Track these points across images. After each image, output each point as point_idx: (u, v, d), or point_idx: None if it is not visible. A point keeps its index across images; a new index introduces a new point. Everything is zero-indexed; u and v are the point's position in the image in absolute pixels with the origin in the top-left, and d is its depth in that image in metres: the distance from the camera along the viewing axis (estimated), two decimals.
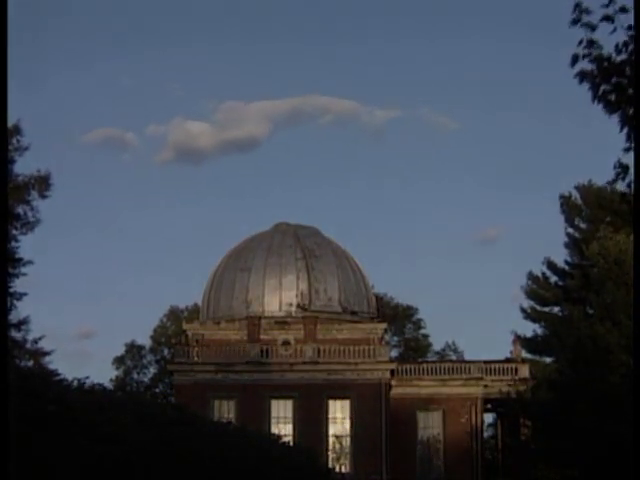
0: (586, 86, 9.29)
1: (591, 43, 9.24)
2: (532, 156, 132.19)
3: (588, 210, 62.14)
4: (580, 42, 9.28)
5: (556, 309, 65.53)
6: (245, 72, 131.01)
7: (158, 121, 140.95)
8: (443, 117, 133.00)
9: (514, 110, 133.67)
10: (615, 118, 9.28)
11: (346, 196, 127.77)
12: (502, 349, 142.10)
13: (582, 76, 9.29)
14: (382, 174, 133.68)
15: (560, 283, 64.85)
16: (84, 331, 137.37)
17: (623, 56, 9.05)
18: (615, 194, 55.52)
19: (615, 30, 9.10)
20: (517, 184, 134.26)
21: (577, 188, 63.75)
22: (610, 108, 9.24)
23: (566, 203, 63.60)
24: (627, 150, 9.29)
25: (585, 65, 9.28)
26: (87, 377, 15.03)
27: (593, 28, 9.20)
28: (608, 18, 9.12)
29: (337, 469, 54.83)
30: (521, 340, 64.75)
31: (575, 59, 9.27)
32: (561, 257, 65.39)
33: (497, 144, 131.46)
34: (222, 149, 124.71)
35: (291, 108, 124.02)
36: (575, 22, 9.25)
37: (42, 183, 39.58)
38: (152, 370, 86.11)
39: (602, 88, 9.27)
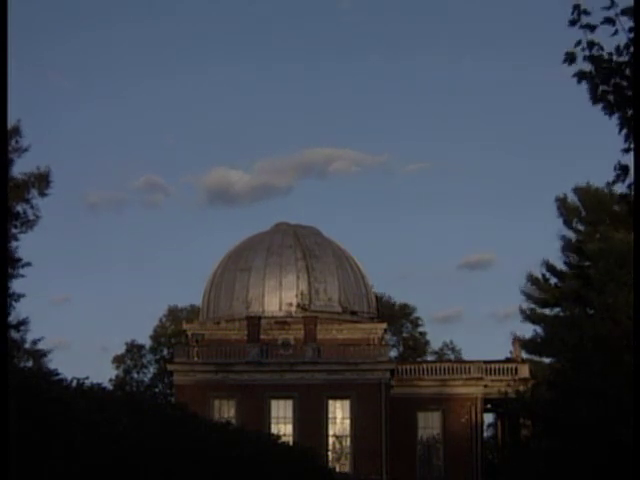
0: (584, 87, 9.27)
1: (591, 45, 9.22)
2: (534, 158, 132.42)
3: (586, 212, 62.12)
4: (578, 43, 9.24)
5: (555, 310, 65.52)
6: (281, 127, 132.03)
7: (195, 171, 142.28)
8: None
9: (515, 114, 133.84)
10: (614, 119, 9.26)
11: (348, 198, 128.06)
12: (502, 349, 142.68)
13: (580, 76, 9.27)
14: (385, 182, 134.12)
15: (559, 284, 64.80)
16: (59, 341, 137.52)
17: (623, 58, 9.03)
18: (613, 195, 55.53)
19: (616, 32, 9.08)
20: (518, 186, 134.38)
21: (575, 190, 63.78)
22: (609, 109, 9.22)
23: (563, 205, 63.60)
24: (626, 151, 9.27)
25: (584, 65, 9.26)
26: (87, 377, 15.03)
27: (592, 29, 9.17)
28: (609, 20, 9.10)
29: (337, 469, 54.82)
30: (520, 342, 64.73)
31: (571, 58, 9.24)
32: (560, 259, 65.41)
33: (499, 151, 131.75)
34: (252, 195, 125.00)
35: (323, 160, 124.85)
36: (573, 23, 9.22)
37: (42, 181, 39.56)
38: (152, 370, 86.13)
39: (601, 89, 9.24)
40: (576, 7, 9.23)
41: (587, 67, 9.28)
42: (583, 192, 62.74)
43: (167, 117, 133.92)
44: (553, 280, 65.57)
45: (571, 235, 63.15)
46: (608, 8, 9.14)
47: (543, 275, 65.75)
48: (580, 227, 62.89)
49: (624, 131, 9.24)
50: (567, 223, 63.30)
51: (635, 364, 9.93)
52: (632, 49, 8.98)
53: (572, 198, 63.69)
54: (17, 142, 38.32)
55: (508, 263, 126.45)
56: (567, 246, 63.40)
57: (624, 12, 9.04)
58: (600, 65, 9.09)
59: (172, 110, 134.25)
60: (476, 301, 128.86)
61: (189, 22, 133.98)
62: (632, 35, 8.97)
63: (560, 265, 64.88)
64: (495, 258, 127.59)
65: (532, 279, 66.06)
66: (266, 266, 65.48)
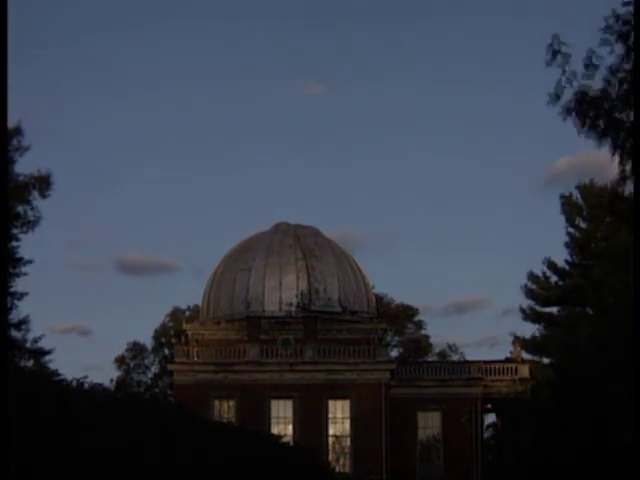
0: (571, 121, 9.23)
1: (571, 76, 9.18)
2: (535, 157, 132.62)
3: (589, 210, 62.10)
4: (559, 82, 9.20)
5: (556, 309, 65.53)
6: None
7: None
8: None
9: (514, 111, 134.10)
10: (606, 145, 9.23)
11: (347, 196, 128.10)
12: (502, 349, 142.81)
13: (567, 112, 9.26)
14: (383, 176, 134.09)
15: (560, 283, 64.80)
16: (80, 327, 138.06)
17: (620, 75, 9.02)
18: (615, 194, 55.29)
19: (612, 52, 9.07)
20: (517, 183, 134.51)
21: (578, 188, 63.76)
22: (599, 136, 9.20)
23: (567, 203, 63.56)
24: (622, 180, 9.27)
25: (567, 97, 9.23)
26: (86, 377, 15.05)
27: (568, 58, 9.12)
28: (606, 42, 9.09)
29: (337, 469, 54.78)
30: (520, 340, 64.71)
31: (556, 97, 9.21)
32: (561, 257, 65.41)
33: (496, 148, 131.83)
34: None
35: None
36: (553, 58, 9.17)
37: (42, 183, 39.63)
38: (153, 370, 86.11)
39: (591, 117, 9.23)
40: (550, 46, 9.16)
41: (570, 101, 9.27)
42: (586, 190, 62.73)
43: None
44: (554, 278, 65.58)
45: (573, 233, 63.15)
46: (604, 30, 9.12)
47: (544, 273, 65.72)
48: (582, 225, 62.90)
49: (616, 157, 9.23)
50: (569, 221, 63.29)
51: (635, 364, 9.95)
52: (629, 63, 8.97)
53: (576, 196, 63.73)
54: (19, 141, 38.40)
55: (514, 245, 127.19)
56: (569, 244, 63.42)
57: (620, 36, 9.03)
58: (585, 98, 9.08)
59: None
60: (478, 289, 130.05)
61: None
62: (626, 53, 8.95)
63: (561, 263, 64.91)
64: (500, 235, 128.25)
65: (532, 277, 66.01)
66: (266, 266, 65.48)
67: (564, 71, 9.18)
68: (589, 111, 9.08)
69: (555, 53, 9.23)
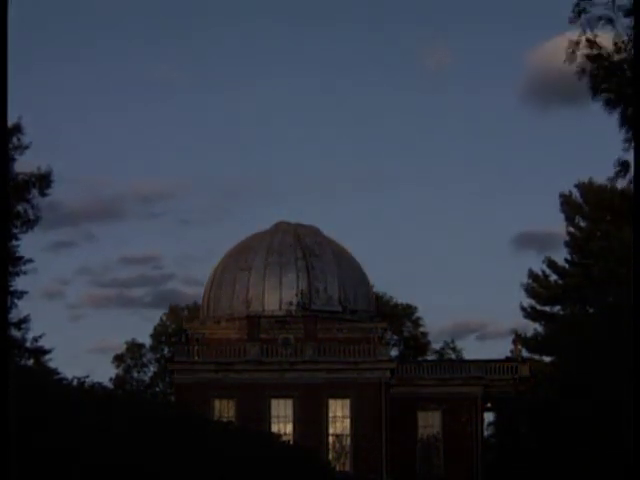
0: (585, 83, 9.25)
1: (591, 43, 9.22)
2: (533, 155, 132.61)
3: (588, 208, 62.08)
4: (577, 43, 9.25)
5: (556, 308, 65.52)
6: None
7: None
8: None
9: (513, 109, 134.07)
10: (615, 115, 9.24)
11: (347, 196, 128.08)
12: (502, 348, 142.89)
13: (581, 72, 9.27)
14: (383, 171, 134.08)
15: (560, 282, 64.80)
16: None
17: (623, 55, 9.02)
18: (615, 192, 55.43)
19: (614, 27, 9.07)
20: (517, 182, 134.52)
21: (577, 186, 63.72)
22: (610, 106, 9.21)
23: (566, 202, 63.54)
24: (627, 147, 9.25)
25: (584, 63, 9.24)
26: (87, 376, 15.05)
27: (592, 27, 9.17)
28: (608, 19, 9.10)
29: (337, 468, 54.77)
30: (521, 339, 64.71)
31: (572, 57, 9.24)
32: (561, 255, 65.45)
33: (497, 146, 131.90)
34: None
35: None
36: (574, 19, 9.22)
37: (42, 180, 39.56)
38: (152, 369, 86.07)
39: (602, 86, 9.24)
40: (577, 5, 9.24)
41: (587, 64, 9.27)
42: (585, 188, 62.69)
43: None
44: (554, 277, 65.58)
45: (573, 232, 63.12)
46: (606, 4, 9.14)
47: (543, 272, 65.72)
48: (582, 224, 62.87)
49: (624, 127, 9.24)
50: (569, 220, 63.27)
51: (635, 364, 9.92)
52: (630, 47, 8.95)
53: (575, 194, 63.72)
54: (18, 139, 38.30)
55: (514, 243, 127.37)
56: (569, 243, 63.41)
57: (621, 9, 9.04)
58: (601, 64, 9.09)
59: None
60: (478, 288, 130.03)
61: None
62: (631, 33, 8.94)
63: (561, 262, 64.92)
64: (500, 234, 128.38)
65: (533, 275, 66.00)
66: (266, 265, 65.47)
67: (584, 31, 9.19)
68: (602, 79, 9.08)
69: (580, 12, 9.25)
